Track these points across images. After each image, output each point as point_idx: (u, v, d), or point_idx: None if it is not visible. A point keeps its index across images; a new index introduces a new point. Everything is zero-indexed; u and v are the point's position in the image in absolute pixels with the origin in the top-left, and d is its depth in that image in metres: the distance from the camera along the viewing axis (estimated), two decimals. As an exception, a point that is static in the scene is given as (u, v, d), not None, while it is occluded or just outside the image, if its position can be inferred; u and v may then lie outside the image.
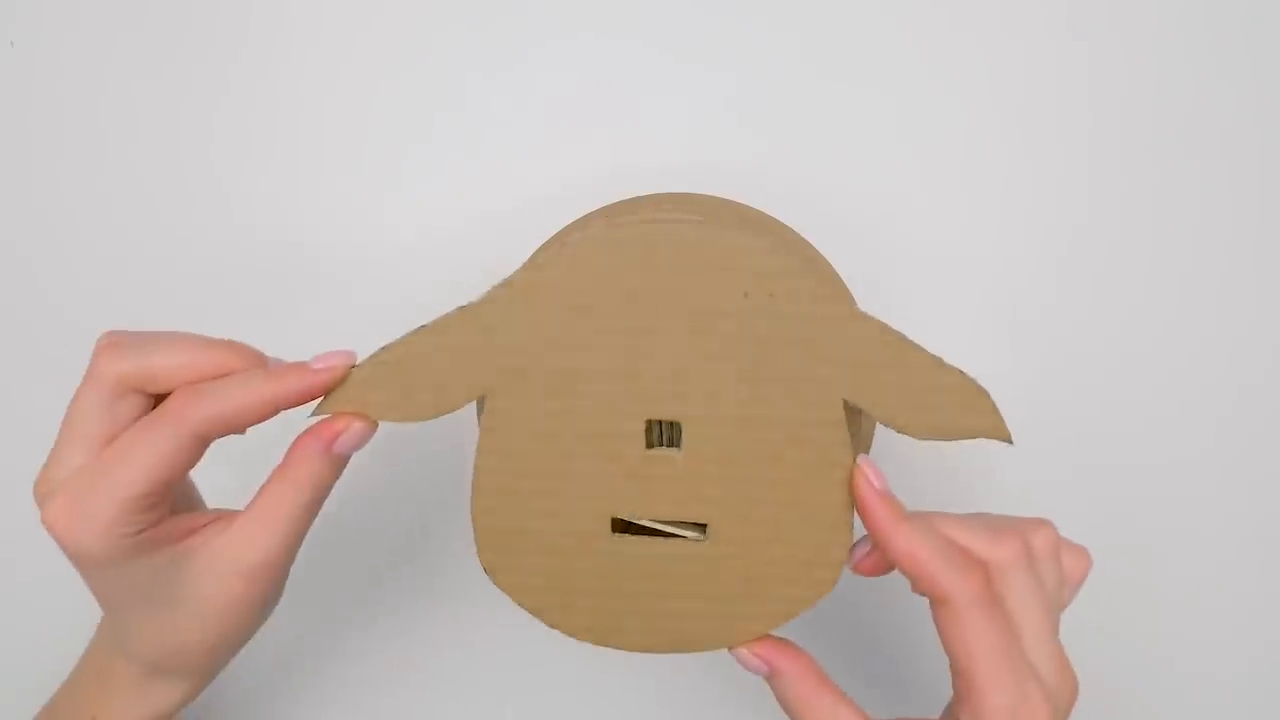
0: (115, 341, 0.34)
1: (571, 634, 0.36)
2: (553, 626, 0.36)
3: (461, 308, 0.35)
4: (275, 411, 0.34)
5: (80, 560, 0.33)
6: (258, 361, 0.34)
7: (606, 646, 0.36)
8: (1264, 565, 0.48)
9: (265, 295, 0.49)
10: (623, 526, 0.36)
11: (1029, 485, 0.48)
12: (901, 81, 0.49)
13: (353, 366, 0.35)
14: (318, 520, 0.35)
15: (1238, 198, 0.48)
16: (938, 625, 0.33)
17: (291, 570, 0.36)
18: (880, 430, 0.42)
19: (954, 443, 0.47)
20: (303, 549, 0.36)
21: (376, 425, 0.35)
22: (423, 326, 0.35)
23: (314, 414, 0.35)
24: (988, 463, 0.47)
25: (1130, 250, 0.48)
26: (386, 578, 0.50)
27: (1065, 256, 0.48)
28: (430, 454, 0.49)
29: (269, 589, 0.35)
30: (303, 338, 0.46)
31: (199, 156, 0.49)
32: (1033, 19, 0.48)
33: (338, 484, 0.35)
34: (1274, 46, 0.48)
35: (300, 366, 0.34)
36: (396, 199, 0.49)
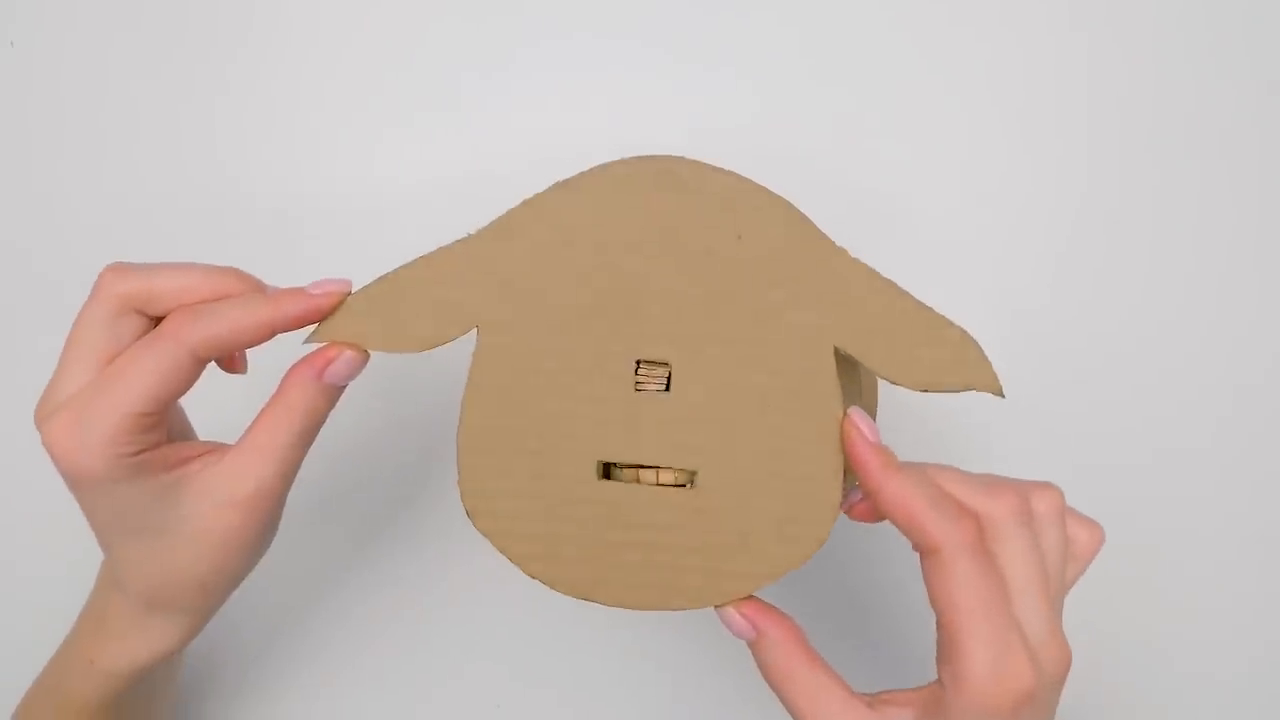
0: (118, 265, 0.34)
1: (552, 586, 0.35)
2: (533, 577, 0.35)
3: (458, 240, 0.35)
4: (271, 334, 0.34)
5: (79, 480, 0.33)
6: (257, 287, 0.35)
7: (587, 601, 0.35)
8: (1264, 565, 0.48)
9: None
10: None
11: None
12: (900, 81, 0.49)
13: (348, 295, 0.35)
14: (310, 463, 0.35)
15: (1237, 196, 0.48)
16: (925, 578, 0.32)
17: (295, 524, 0.36)
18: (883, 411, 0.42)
19: (952, 442, 0.48)
20: (295, 491, 0.36)
21: (368, 355, 0.35)
22: (419, 258, 0.35)
23: (307, 341, 0.35)
24: (986, 462, 0.47)
25: (1129, 249, 0.48)
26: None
27: (1065, 254, 0.48)
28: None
29: (264, 520, 0.35)
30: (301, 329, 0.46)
31: (199, 153, 0.49)
32: (1032, 16, 0.48)
33: (330, 425, 0.35)
34: (1274, 46, 0.48)
35: (297, 291, 0.34)
36: (397, 189, 0.49)
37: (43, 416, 0.33)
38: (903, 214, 0.48)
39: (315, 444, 0.35)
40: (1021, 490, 0.34)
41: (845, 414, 0.34)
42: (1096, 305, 0.48)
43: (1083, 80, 0.49)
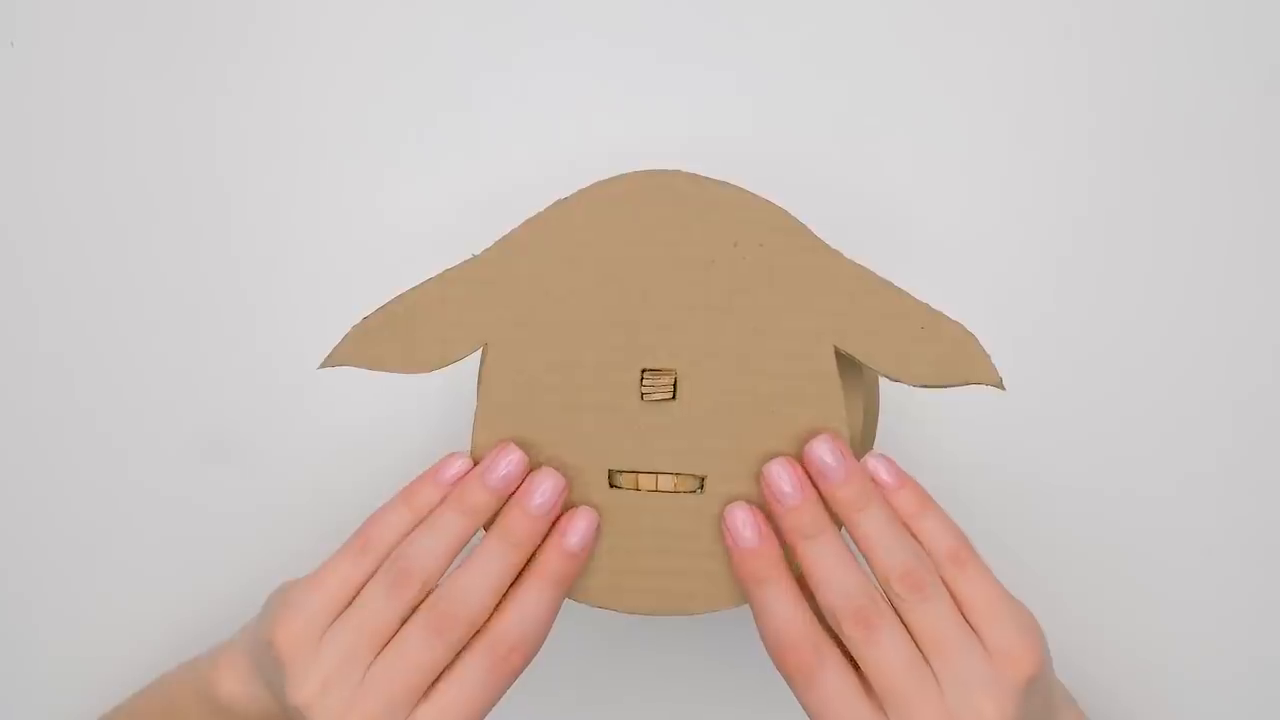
0: (417, 560, 0.34)
1: (570, 596, 0.36)
2: None
3: (464, 261, 0.36)
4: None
5: None
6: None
7: (606, 609, 0.36)
8: (1264, 566, 0.48)
9: (265, 289, 0.49)
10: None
11: (1029, 488, 0.48)
12: (902, 85, 0.49)
13: (365, 318, 0.35)
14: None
15: (1238, 196, 0.48)
16: None
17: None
18: (883, 427, 0.42)
19: (951, 444, 0.48)
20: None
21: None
22: (426, 281, 0.36)
23: (321, 366, 0.35)
24: (987, 462, 0.48)
25: (1132, 253, 0.48)
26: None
27: (1067, 258, 0.48)
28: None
29: None
30: (302, 331, 0.46)
31: (200, 155, 0.49)
32: (1032, 19, 0.48)
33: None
34: (1274, 46, 0.48)
35: (543, 530, 0.34)
36: (398, 192, 0.49)
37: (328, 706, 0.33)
38: (904, 218, 0.48)
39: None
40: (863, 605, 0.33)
41: (723, 513, 0.34)
42: (1099, 307, 0.48)
43: (1083, 82, 0.48)
